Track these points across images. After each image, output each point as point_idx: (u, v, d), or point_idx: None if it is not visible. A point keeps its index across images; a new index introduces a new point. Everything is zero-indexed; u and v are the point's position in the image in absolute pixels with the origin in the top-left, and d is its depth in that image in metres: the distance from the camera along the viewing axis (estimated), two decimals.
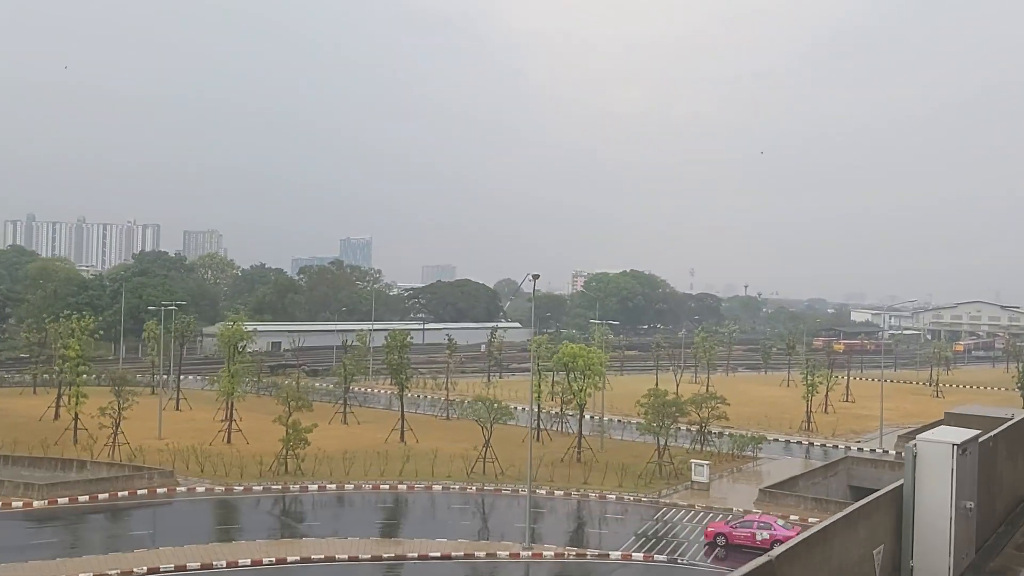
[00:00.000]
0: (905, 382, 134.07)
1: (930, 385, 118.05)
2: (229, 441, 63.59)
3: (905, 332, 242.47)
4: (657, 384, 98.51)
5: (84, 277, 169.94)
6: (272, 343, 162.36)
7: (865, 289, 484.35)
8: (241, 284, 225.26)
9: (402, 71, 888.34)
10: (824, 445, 77.56)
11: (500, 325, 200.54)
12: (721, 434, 75.77)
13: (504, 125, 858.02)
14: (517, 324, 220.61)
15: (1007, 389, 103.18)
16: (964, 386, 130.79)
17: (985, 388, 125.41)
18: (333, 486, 53.84)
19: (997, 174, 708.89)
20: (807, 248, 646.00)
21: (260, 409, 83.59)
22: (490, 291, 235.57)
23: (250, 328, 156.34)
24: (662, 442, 60.34)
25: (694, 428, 74.72)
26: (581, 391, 62.69)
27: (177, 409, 79.23)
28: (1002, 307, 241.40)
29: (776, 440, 78.95)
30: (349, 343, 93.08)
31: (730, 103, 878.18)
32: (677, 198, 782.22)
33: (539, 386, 67.33)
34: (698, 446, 68.51)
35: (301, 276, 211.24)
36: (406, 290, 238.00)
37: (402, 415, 67.25)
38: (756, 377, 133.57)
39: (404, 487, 54.17)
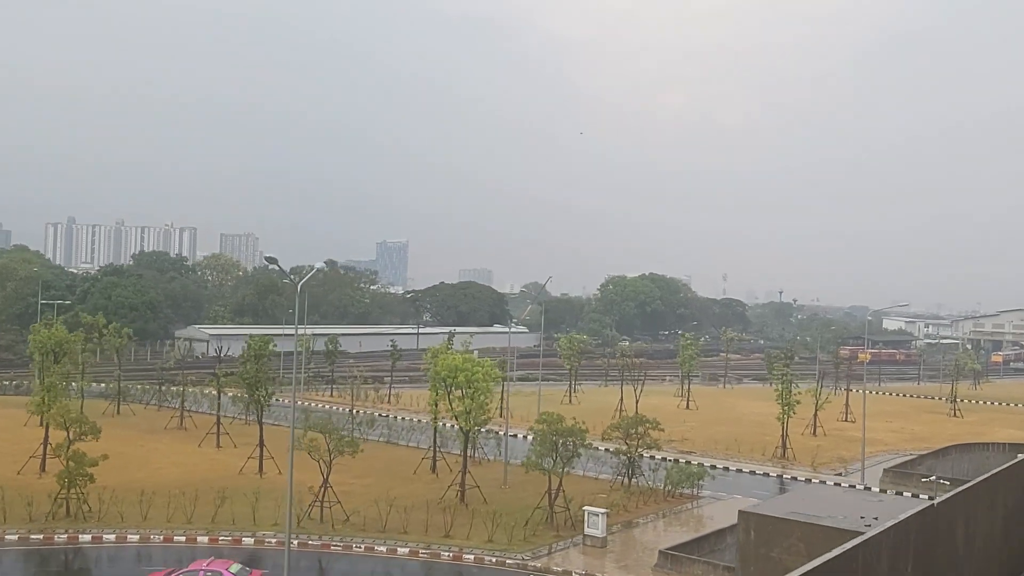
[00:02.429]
0: (927, 397, 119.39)
1: (949, 402, 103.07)
2: (44, 469, 52.28)
3: (943, 341, 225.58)
4: (622, 399, 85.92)
5: (48, 276, 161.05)
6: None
7: (911, 297, 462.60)
8: (243, 286, 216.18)
9: (443, 76, 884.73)
10: (795, 478, 64.12)
11: (498, 330, 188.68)
12: (678, 461, 63.49)
13: (545, 130, 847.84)
14: (524, 329, 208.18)
15: None
16: (991, 403, 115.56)
17: (1014, 406, 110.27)
18: (113, 536, 42.08)
19: None
20: (854, 257, 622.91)
21: (139, 427, 72.87)
22: (495, 294, 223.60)
23: (216, 332, 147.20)
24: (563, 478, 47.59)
25: (660, 456, 62.50)
26: (466, 413, 50.11)
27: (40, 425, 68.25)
28: None
29: (739, 471, 65.84)
30: (225, 351, 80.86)
31: (776, 110, 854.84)
32: (718, 204, 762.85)
33: (435, 404, 54.92)
34: (626, 480, 55.59)
35: (293, 276, 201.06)
36: (407, 293, 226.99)
37: (260, 440, 55.35)
38: (756, 390, 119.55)
39: (206, 539, 42.26)
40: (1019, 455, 22.25)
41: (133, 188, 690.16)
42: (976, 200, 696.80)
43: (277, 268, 38.69)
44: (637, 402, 79.41)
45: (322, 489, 44.60)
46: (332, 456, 44.58)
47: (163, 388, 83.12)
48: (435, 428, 57.90)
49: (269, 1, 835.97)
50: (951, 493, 7.85)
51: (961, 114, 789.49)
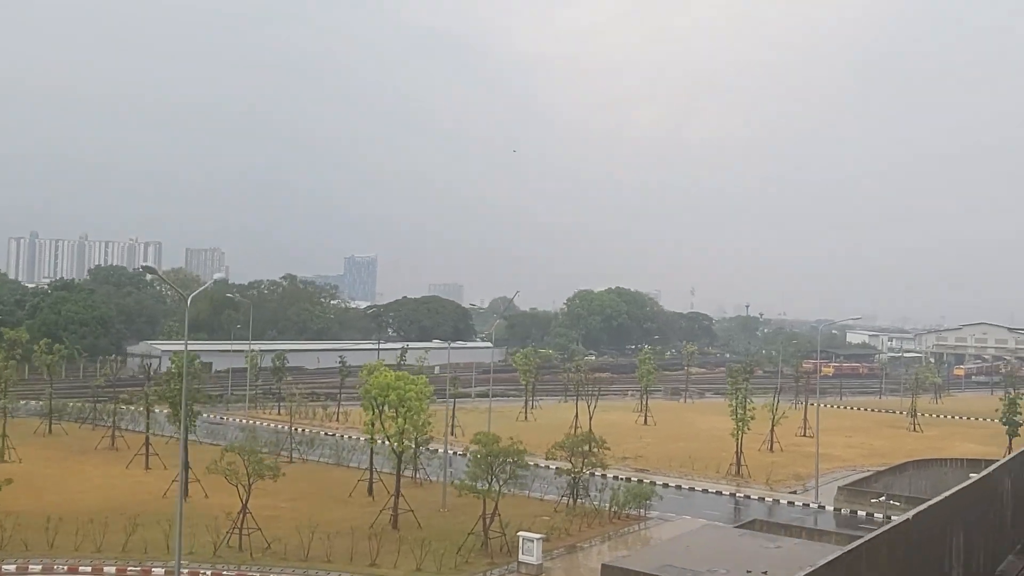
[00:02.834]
0: (888, 411, 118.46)
1: (909, 415, 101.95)
2: None
3: (906, 355, 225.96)
4: (577, 416, 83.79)
5: None
6: (201, 364, 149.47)
7: (877, 311, 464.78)
8: (200, 301, 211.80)
9: (413, 91, 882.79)
10: (749, 496, 62.24)
11: (461, 345, 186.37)
12: (630, 479, 61.48)
13: (514, 146, 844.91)
14: (488, 344, 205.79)
15: (995, 420, 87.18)
16: (952, 417, 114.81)
17: (975, 419, 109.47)
18: (13, 567, 39.21)
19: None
20: (823, 273, 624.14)
21: (68, 447, 69.83)
22: (459, 308, 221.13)
23: (168, 348, 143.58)
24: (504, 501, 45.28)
25: (612, 474, 60.63)
26: (399, 433, 47.72)
27: None
28: (1010, 329, 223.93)
29: (692, 489, 63.85)
30: (153, 368, 77.69)
31: (746, 129, 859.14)
32: (689, 220, 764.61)
33: (371, 423, 52.30)
34: (571, 501, 53.41)
35: (251, 291, 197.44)
36: (369, 308, 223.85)
37: (184, 462, 52.33)
38: (717, 405, 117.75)
39: (113, 569, 39.47)
40: (971, 475, 20.32)
41: (97, 198, 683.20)
42: (943, 224, 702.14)
43: (156, 276, 36.16)
44: (591, 418, 77.32)
45: (241, 515, 41.94)
46: (251, 480, 41.98)
47: (97, 406, 79.88)
48: (371, 448, 55.33)
49: (242, 11, 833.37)
50: None
51: (930, 143, 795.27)
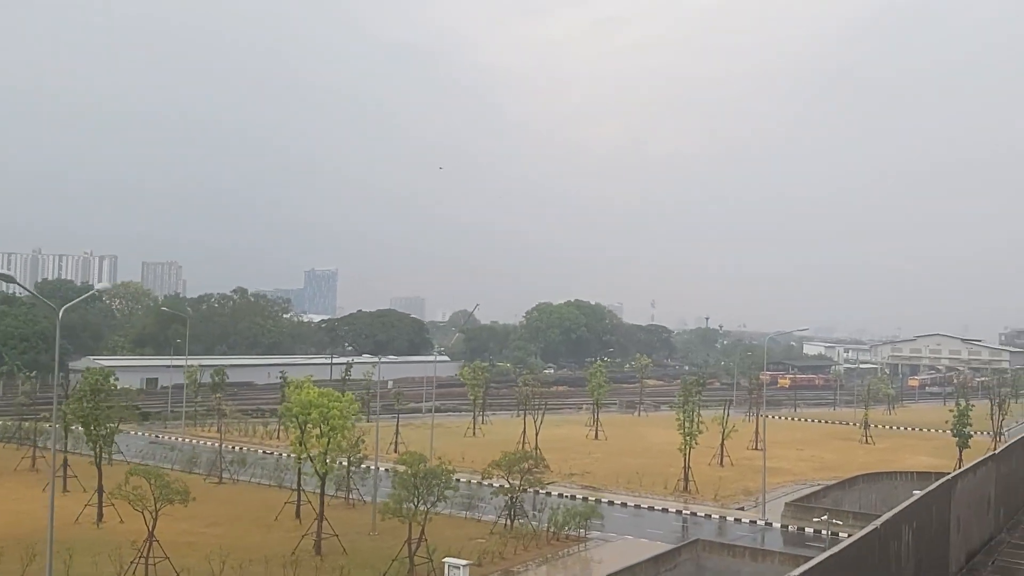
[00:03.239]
0: (842, 423, 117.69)
1: (861, 427, 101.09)
2: None
3: (862, 366, 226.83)
4: (524, 431, 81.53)
5: None
6: (147, 379, 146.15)
7: (836, 323, 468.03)
8: (152, 315, 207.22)
9: (377, 103, 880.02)
10: (695, 514, 60.37)
11: (416, 359, 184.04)
12: (575, 497, 59.39)
13: (479, 158, 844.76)
14: (446, 358, 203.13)
15: (946, 432, 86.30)
16: (904, 428, 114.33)
17: (927, 431, 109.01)
18: None
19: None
20: (784, 285, 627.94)
21: None
22: (416, 322, 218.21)
23: (111, 363, 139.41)
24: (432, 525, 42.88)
25: (557, 492, 58.46)
26: (321, 455, 45.20)
27: None
28: (963, 340, 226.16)
29: (639, 507, 61.88)
30: (73, 385, 74.28)
31: (709, 142, 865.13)
32: (652, 234, 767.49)
33: (298, 442, 49.60)
34: (508, 522, 51.15)
35: (201, 304, 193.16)
36: (323, 322, 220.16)
37: (99, 485, 49.61)
38: (671, 418, 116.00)
39: None
40: (914, 492, 18.41)
41: (55, 207, 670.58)
42: (901, 238, 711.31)
43: (18, 286, 33.68)
44: (537, 434, 75.25)
45: (147, 542, 39.15)
46: (159, 505, 39.24)
47: (23, 425, 76.33)
48: (298, 469, 52.69)
49: (201, 21, 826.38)
50: None
51: (890, 159, 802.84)
